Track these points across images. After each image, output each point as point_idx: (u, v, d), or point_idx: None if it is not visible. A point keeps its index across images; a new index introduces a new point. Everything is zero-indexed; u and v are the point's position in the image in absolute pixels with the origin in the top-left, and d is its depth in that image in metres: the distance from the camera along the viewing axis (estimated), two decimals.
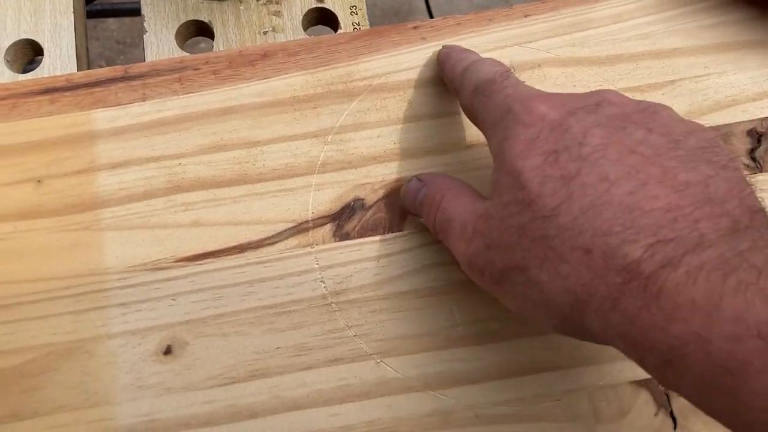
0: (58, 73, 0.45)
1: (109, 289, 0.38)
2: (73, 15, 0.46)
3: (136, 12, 0.83)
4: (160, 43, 0.46)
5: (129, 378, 0.37)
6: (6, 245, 0.39)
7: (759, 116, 0.41)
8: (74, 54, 0.45)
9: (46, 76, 0.44)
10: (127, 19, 1.64)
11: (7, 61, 0.45)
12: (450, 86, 0.40)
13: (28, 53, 0.47)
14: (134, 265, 0.39)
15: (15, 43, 0.45)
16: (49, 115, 0.41)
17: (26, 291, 0.38)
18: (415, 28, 0.43)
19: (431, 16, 0.96)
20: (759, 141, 0.41)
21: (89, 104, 0.42)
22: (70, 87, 0.42)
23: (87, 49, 0.47)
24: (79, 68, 0.45)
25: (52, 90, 0.42)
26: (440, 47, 0.42)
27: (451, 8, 1.65)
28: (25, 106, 0.42)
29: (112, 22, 1.67)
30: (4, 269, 0.38)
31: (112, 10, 0.81)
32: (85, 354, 0.37)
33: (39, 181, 0.40)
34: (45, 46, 0.45)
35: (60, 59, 0.45)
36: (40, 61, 0.46)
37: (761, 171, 0.40)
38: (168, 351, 0.37)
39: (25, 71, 0.46)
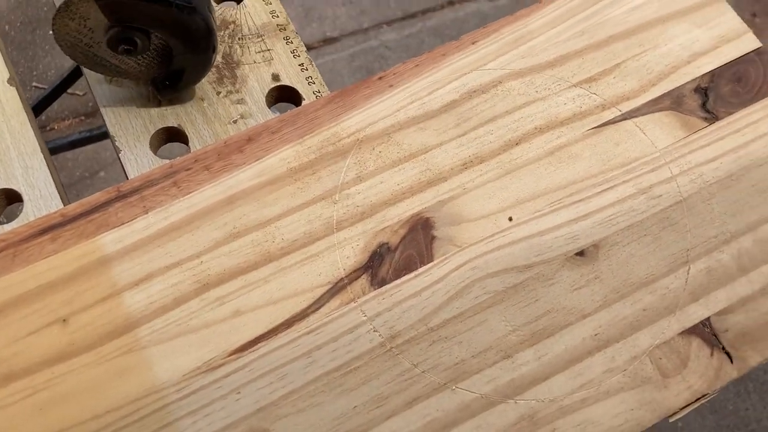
0: (44, 213, 0.44)
1: (171, 403, 0.37)
2: (42, 153, 0.46)
3: (95, 138, 0.82)
4: (136, 157, 0.46)
5: None
6: (49, 394, 0.37)
7: (698, 74, 0.46)
8: (55, 191, 0.45)
9: (32, 219, 0.44)
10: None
11: None
12: None
13: (2, 203, 0.46)
14: (188, 372, 0.38)
15: None
16: (55, 254, 0.41)
17: None
18: (380, 78, 0.46)
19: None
20: (706, 94, 0.46)
21: (92, 231, 0.41)
22: (67, 221, 0.42)
23: (61, 183, 0.47)
24: (63, 202, 0.45)
25: (49, 229, 0.41)
26: (407, 90, 0.45)
27: (333, 74, 1.70)
28: (27, 251, 0.41)
29: None
30: (56, 418, 0.37)
31: (70, 143, 0.80)
32: None
33: (64, 320, 0.39)
34: (22, 190, 0.45)
35: (42, 199, 0.45)
36: (15, 209, 0.45)
37: (717, 119, 0.45)
38: None
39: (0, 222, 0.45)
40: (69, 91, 1.50)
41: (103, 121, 0.47)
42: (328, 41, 1.76)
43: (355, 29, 1.78)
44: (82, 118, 1.55)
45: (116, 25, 0.42)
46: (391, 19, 1.81)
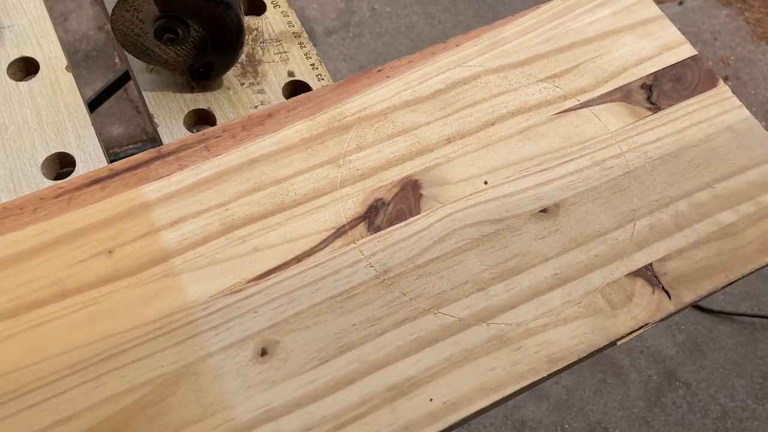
0: None
1: (198, 318, 0.45)
2: (92, 126, 0.54)
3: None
4: (171, 131, 0.55)
5: (237, 383, 0.43)
6: (97, 308, 0.45)
7: (644, 74, 0.56)
8: (103, 156, 0.53)
9: None
10: None
11: (43, 174, 0.52)
12: None
13: (56, 167, 0.54)
14: (214, 295, 0.45)
15: (48, 156, 0.52)
16: (103, 200, 0.49)
17: (126, 339, 0.44)
18: (379, 71, 0.55)
19: None
20: (651, 90, 0.55)
21: (135, 183, 0.49)
22: (114, 174, 0.50)
23: (106, 150, 0.55)
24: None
25: (99, 180, 0.49)
26: (402, 80, 0.54)
27: None
28: (80, 197, 0.49)
29: None
30: (101, 327, 0.44)
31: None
32: (193, 375, 0.43)
33: (110, 251, 0.47)
34: (75, 154, 0.53)
35: (91, 161, 0.53)
36: (67, 172, 0.53)
37: (659, 110, 0.54)
38: (264, 352, 0.44)
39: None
40: None
41: (145, 104, 0.56)
42: None
43: None
44: None
45: (163, 16, 0.51)
46: None
